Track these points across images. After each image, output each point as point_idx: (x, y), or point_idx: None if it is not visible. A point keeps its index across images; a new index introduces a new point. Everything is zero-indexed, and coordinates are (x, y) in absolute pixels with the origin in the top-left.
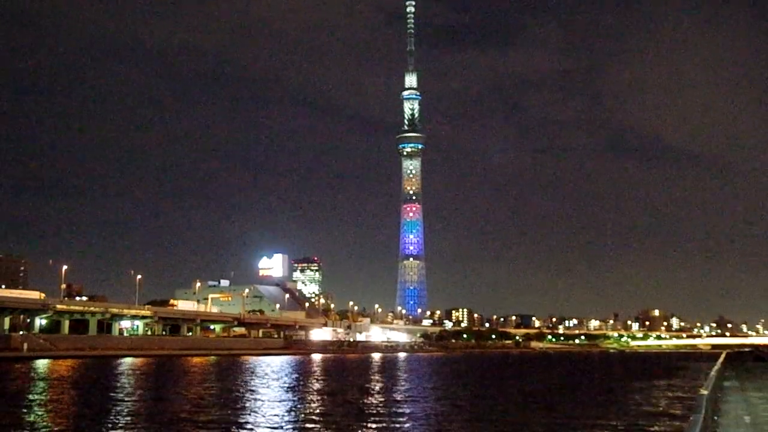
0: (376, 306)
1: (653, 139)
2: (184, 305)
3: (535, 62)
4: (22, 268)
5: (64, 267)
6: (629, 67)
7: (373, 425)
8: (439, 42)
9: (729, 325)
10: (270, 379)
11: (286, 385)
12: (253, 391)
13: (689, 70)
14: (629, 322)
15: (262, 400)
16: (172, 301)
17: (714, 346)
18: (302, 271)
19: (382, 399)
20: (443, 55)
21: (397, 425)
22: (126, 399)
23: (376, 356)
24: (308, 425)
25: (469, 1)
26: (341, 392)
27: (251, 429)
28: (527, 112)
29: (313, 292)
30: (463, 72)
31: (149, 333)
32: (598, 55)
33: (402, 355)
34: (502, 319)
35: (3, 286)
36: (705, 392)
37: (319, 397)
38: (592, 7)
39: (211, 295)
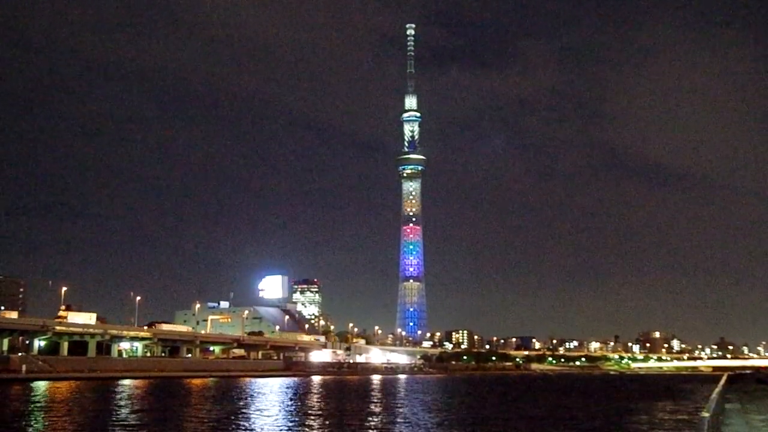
0: (376, 327)
1: (651, 160)
2: (77, 317)
3: (532, 83)
4: (21, 289)
5: (64, 288)
6: (626, 88)
7: None
8: (437, 64)
9: (730, 347)
10: (269, 402)
11: (286, 407)
12: (252, 414)
13: (686, 90)
14: (630, 344)
15: (261, 424)
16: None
17: (715, 368)
18: (302, 292)
19: (382, 422)
20: (441, 76)
21: None
22: (125, 423)
23: (376, 378)
24: None
25: (467, 23)
26: (341, 415)
27: None
28: (525, 133)
29: (313, 314)
30: (461, 93)
31: (148, 355)
32: (594, 75)
33: (402, 377)
34: (502, 341)
35: (2, 308)
36: (707, 415)
37: (319, 421)
38: (589, 28)
39: (210, 317)
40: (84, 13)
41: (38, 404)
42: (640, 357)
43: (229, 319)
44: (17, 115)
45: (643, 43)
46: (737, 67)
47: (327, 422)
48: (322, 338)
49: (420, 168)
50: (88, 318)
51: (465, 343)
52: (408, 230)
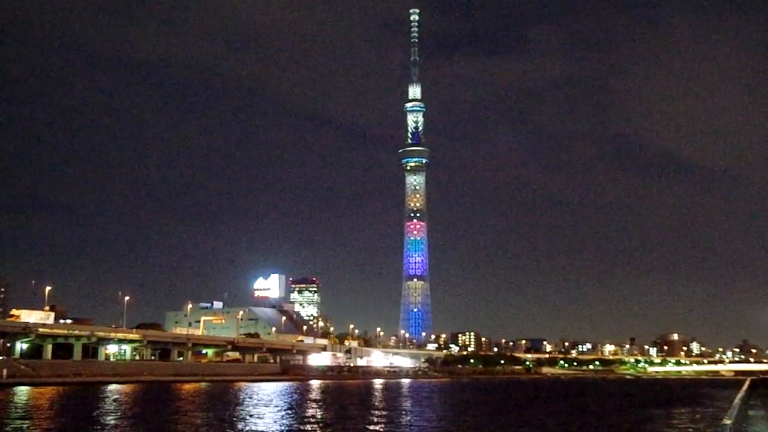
0: (378, 329)
1: (668, 153)
2: (31, 316)
3: (542, 71)
4: (2, 289)
5: (48, 288)
6: (637, 77)
7: None
8: (442, 51)
9: (753, 351)
10: (265, 408)
11: (282, 414)
12: (246, 420)
13: (700, 80)
14: (646, 347)
15: (256, 431)
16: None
17: (737, 373)
18: (300, 292)
19: (384, 430)
20: (447, 65)
21: None
22: (111, 431)
23: (378, 382)
24: None
25: (473, 8)
26: (340, 423)
27: None
28: (533, 124)
29: (312, 315)
30: (468, 82)
31: (137, 358)
32: (604, 64)
33: (405, 381)
34: (511, 344)
35: None
36: (729, 422)
37: (316, 429)
38: (599, 15)
39: (203, 318)
40: (76, 1)
41: (20, 411)
42: (658, 361)
43: (223, 321)
44: (1, 107)
45: (659, 29)
46: (756, 56)
47: (325, 430)
48: (322, 341)
49: (424, 161)
50: (45, 317)
51: (472, 346)
52: (412, 226)
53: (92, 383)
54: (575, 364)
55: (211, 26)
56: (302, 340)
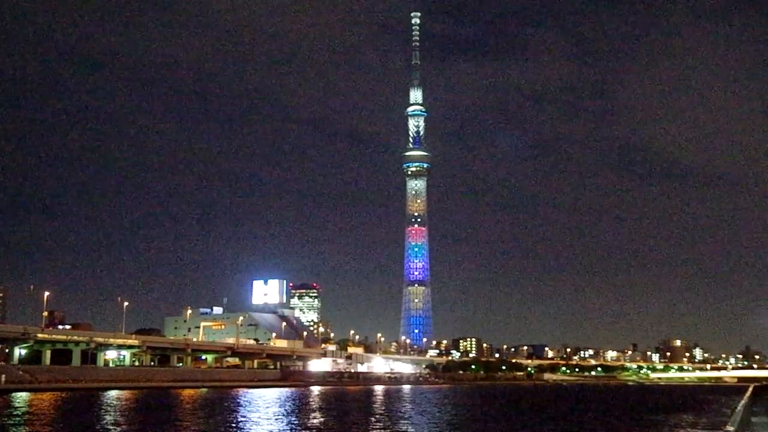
0: (379, 335)
1: (667, 158)
2: None
3: (543, 76)
4: (0, 295)
5: (46, 293)
6: (641, 81)
7: None
8: (443, 55)
9: (756, 357)
10: (264, 415)
11: (281, 421)
12: (245, 427)
13: (702, 85)
14: (649, 353)
15: None
16: None
17: (741, 379)
18: (300, 297)
19: None
20: (448, 69)
21: None
22: None
23: (379, 389)
24: None
25: (474, 12)
26: (341, 429)
27: None
28: (535, 128)
29: (312, 320)
30: (469, 87)
31: (137, 364)
32: (606, 69)
33: (406, 387)
34: (512, 349)
35: None
36: (731, 428)
37: None
38: (601, 19)
39: (203, 323)
40: (71, 3)
41: (18, 417)
42: (660, 367)
43: (223, 326)
44: None
45: (661, 34)
46: (762, 59)
47: None
48: (326, 346)
49: (425, 165)
50: None
51: (473, 352)
52: (413, 231)
53: (91, 389)
54: (577, 370)
55: (211, 30)
56: (264, 344)
